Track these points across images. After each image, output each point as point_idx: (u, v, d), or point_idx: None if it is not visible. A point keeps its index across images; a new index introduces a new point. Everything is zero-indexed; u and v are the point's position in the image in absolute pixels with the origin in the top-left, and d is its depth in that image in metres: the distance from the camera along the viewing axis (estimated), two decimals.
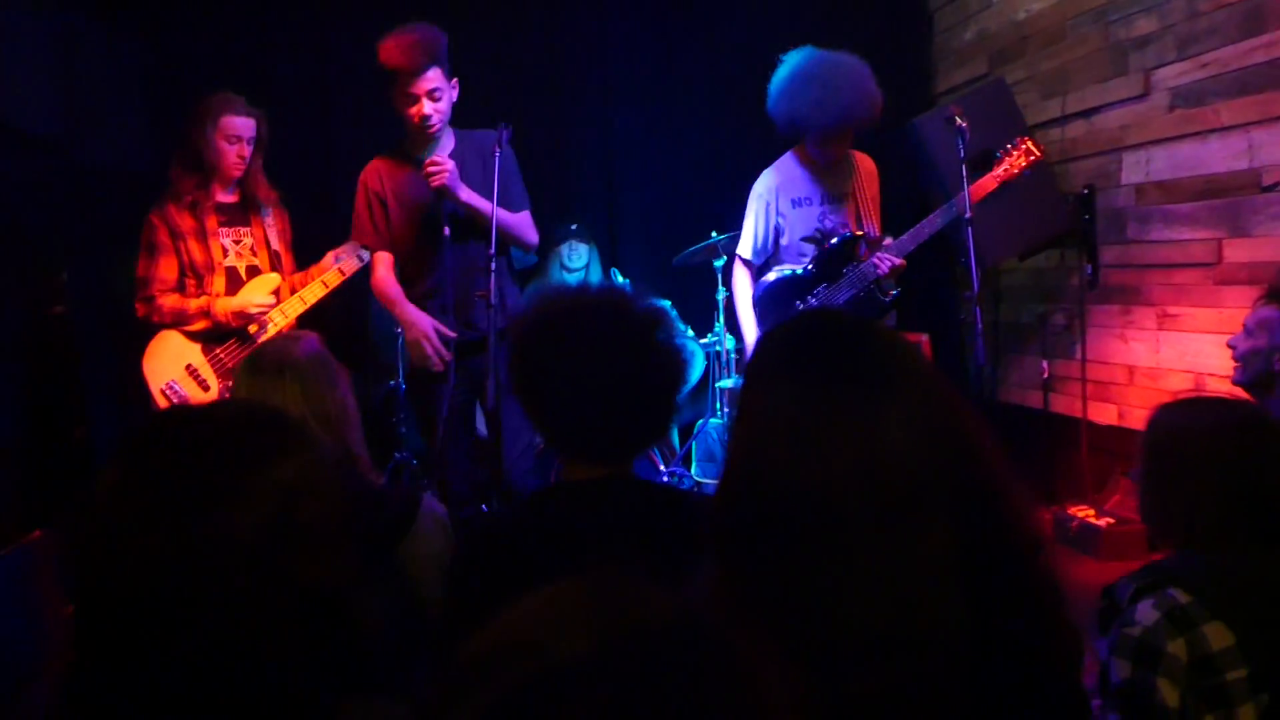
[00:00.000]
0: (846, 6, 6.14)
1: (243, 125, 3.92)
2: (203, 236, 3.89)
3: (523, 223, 3.87)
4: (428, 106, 3.71)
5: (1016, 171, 4.25)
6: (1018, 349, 5.64)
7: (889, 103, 5.95)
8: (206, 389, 3.86)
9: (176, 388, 3.82)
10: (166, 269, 3.86)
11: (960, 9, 6.05)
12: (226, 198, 4.00)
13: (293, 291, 4.04)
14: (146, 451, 1.12)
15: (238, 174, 3.95)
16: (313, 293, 4.02)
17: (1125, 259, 4.79)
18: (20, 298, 4.20)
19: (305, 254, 4.24)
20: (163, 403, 3.79)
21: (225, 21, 5.65)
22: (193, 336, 3.89)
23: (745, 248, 4.28)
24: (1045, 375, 5.15)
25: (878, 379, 1.19)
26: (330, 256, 4.08)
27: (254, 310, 3.87)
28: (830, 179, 4.22)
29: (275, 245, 4.10)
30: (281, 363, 2.15)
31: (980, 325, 3.70)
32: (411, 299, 3.77)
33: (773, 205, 4.20)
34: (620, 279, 5.33)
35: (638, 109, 6.02)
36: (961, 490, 1.15)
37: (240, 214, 4.02)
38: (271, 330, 3.93)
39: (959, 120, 3.88)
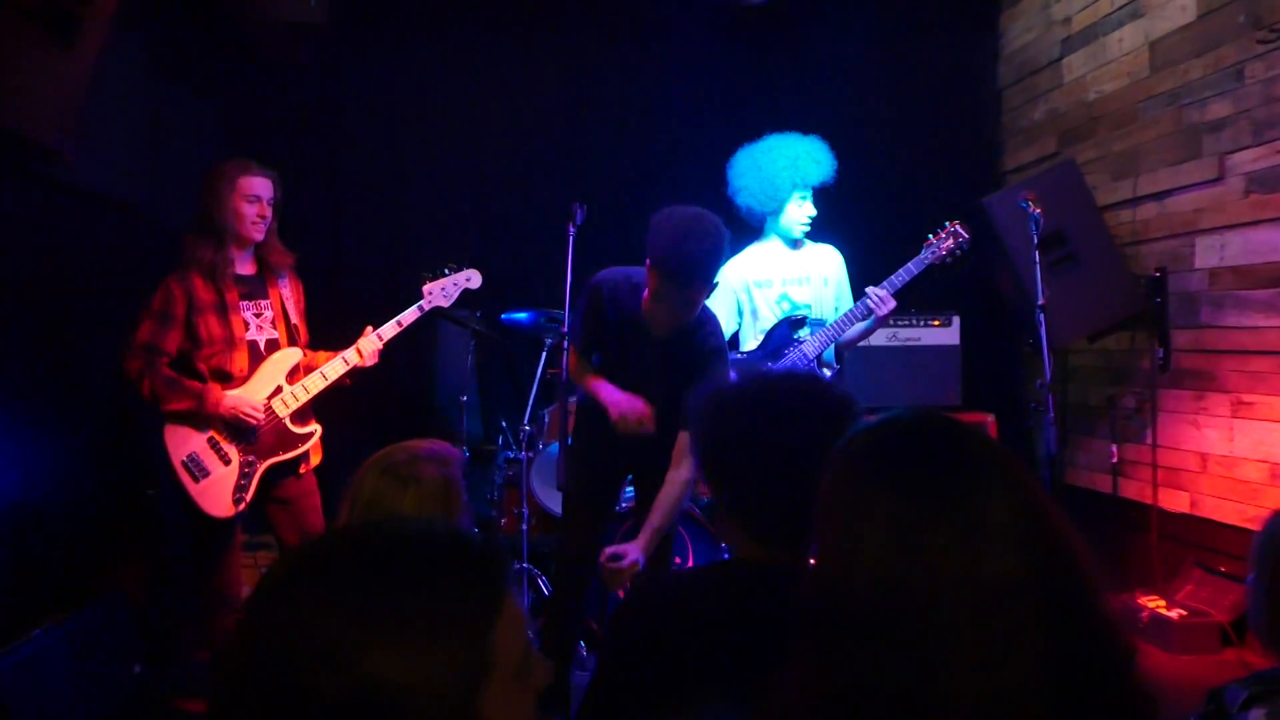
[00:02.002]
0: (915, 84, 6.19)
1: (261, 185, 3.82)
2: (223, 310, 3.77)
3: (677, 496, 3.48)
4: (679, 314, 3.45)
5: (944, 253, 4.25)
6: (1086, 431, 5.56)
7: (957, 179, 6.01)
8: (228, 462, 3.75)
9: (199, 460, 3.72)
10: (172, 342, 3.71)
11: (1029, 88, 6.06)
12: (245, 269, 3.89)
13: (310, 368, 3.93)
14: (335, 565, 1.03)
15: (259, 235, 3.84)
16: (334, 370, 3.91)
17: (1198, 343, 4.72)
18: (102, 358, 4.29)
19: (364, 321, 4.21)
20: (184, 475, 3.69)
21: (303, 90, 5.82)
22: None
23: None
24: (1114, 459, 5.07)
25: (972, 478, 1.19)
26: (364, 337, 3.97)
27: (247, 415, 3.72)
28: (789, 262, 4.41)
29: (294, 318, 3.99)
30: (409, 479, 2.22)
31: (1052, 413, 3.65)
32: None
33: (736, 286, 4.42)
34: None
35: (702, 185, 6.07)
36: (1053, 592, 1.14)
37: (259, 286, 3.92)
38: (293, 405, 3.85)
39: (1033, 206, 3.87)
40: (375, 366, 3.99)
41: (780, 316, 4.32)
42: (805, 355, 4.19)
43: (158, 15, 4.70)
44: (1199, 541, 4.71)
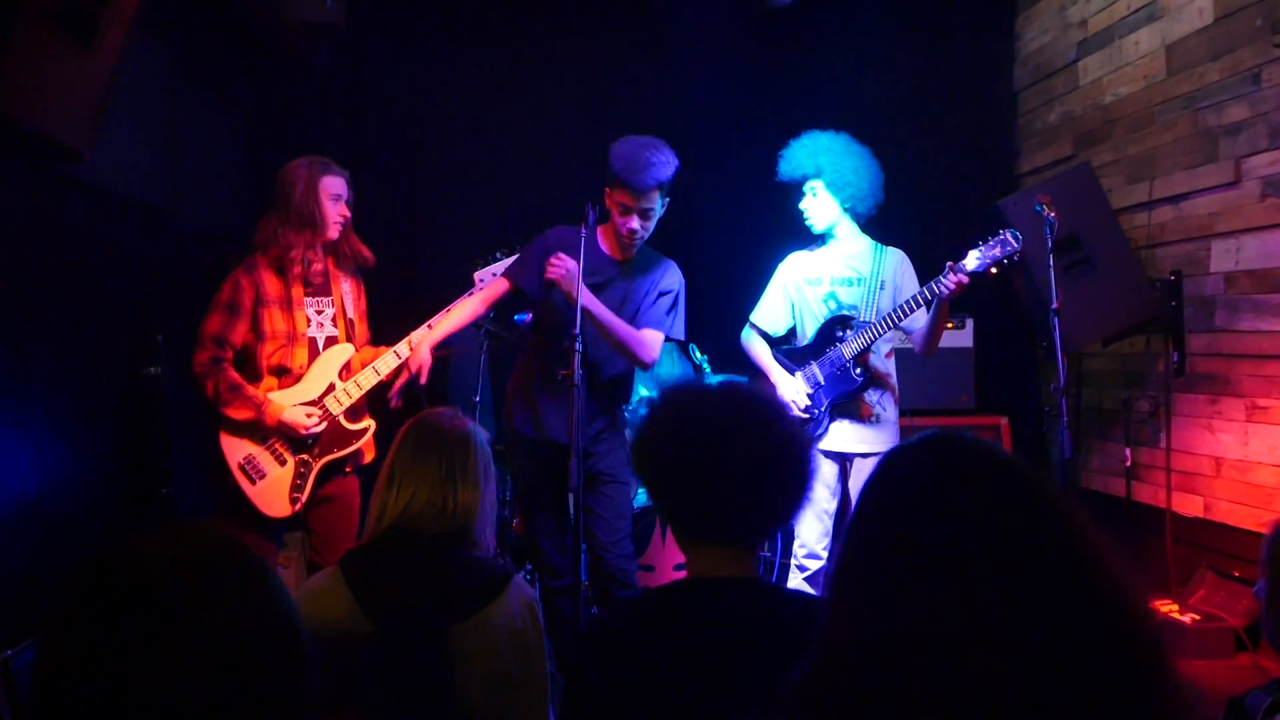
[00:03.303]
0: (931, 87, 6.19)
1: (340, 184, 3.92)
2: (288, 305, 3.84)
3: (636, 338, 3.84)
4: (636, 223, 3.81)
5: (988, 261, 3.97)
6: (1100, 435, 5.55)
7: (973, 182, 5.99)
8: (283, 463, 3.81)
9: (255, 462, 3.78)
10: (239, 334, 3.79)
11: (1045, 91, 6.05)
12: (315, 264, 3.96)
13: (365, 364, 3.99)
14: (78, 604, 1.13)
15: (337, 234, 3.93)
16: (386, 364, 3.98)
17: (1214, 348, 4.70)
18: (119, 358, 4.32)
19: (383, 322, 4.28)
20: (241, 478, 3.75)
21: (321, 90, 5.84)
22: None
23: (756, 313, 4.59)
24: (1128, 463, 5.06)
25: (991, 501, 1.16)
26: (415, 333, 4.03)
27: (303, 433, 3.80)
28: (841, 263, 4.39)
29: (351, 314, 4.05)
30: (448, 433, 2.38)
31: (1066, 418, 3.65)
32: (546, 369, 3.91)
33: (788, 283, 4.49)
34: (698, 355, 5.36)
35: (717, 190, 6.08)
36: (1081, 618, 1.13)
37: (324, 283, 3.98)
38: (346, 402, 3.90)
39: (1048, 210, 3.86)
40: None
41: (827, 314, 4.35)
42: (841, 356, 4.22)
43: (177, 17, 4.73)
44: (1213, 546, 4.70)
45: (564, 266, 3.66)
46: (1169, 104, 4.96)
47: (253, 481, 3.76)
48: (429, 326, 4.00)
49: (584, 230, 3.59)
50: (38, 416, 3.85)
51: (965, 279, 3.93)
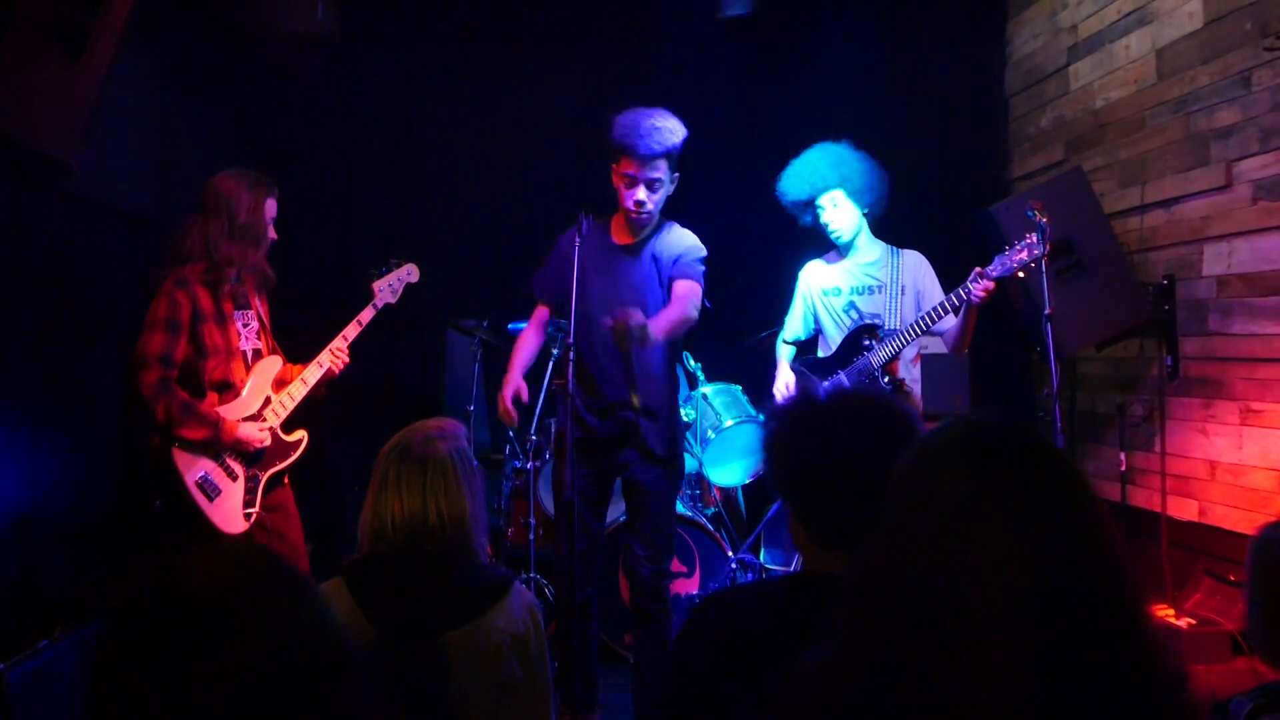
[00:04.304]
0: (922, 92, 6.19)
1: (275, 207, 3.91)
2: (222, 320, 3.78)
3: (681, 317, 3.73)
4: (642, 193, 3.77)
5: (1014, 265, 3.99)
6: (1095, 439, 5.54)
7: (964, 187, 6.00)
8: (235, 478, 3.77)
9: (211, 480, 3.71)
10: (181, 351, 3.66)
11: (1036, 96, 6.06)
12: (247, 280, 3.95)
13: (284, 380, 3.99)
14: (129, 629, 1.13)
15: (264, 255, 3.92)
16: (312, 375, 3.99)
17: (1207, 351, 4.70)
18: (111, 369, 4.31)
19: (380, 323, 4.29)
20: (198, 495, 3.66)
21: (312, 100, 5.84)
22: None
23: (785, 330, 4.67)
24: (1123, 467, 5.05)
25: (1029, 484, 1.19)
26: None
27: (258, 446, 3.80)
28: (859, 271, 4.44)
29: (268, 326, 4.05)
30: (426, 457, 2.37)
31: (1060, 422, 3.64)
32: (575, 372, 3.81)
33: (808, 295, 4.58)
34: (691, 363, 5.35)
35: (711, 194, 6.07)
36: (1094, 607, 1.13)
37: (245, 297, 3.93)
38: (283, 414, 3.91)
39: (1040, 215, 3.86)
40: (383, 374, 4.06)
41: (848, 325, 4.38)
42: (870, 364, 4.25)
43: (168, 27, 4.72)
44: (1208, 549, 4.69)
45: (624, 316, 3.45)
46: (1160, 108, 4.96)
47: (210, 499, 3.69)
48: (344, 338, 4.05)
49: (578, 240, 3.58)
50: (29, 428, 3.84)
51: (992, 285, 3.96)
